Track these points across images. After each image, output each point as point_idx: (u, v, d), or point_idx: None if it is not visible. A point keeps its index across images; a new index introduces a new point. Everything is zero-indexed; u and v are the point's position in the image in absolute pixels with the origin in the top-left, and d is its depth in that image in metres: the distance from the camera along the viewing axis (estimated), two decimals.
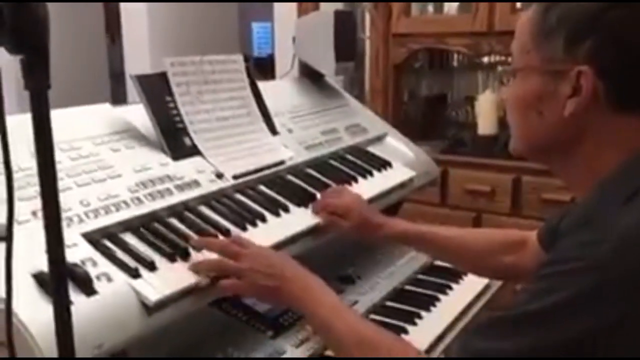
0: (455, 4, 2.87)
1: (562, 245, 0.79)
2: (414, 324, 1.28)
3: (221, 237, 1.09)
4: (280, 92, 1.64)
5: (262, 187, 1.30)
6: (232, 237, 1.09)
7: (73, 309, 0.69)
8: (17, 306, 0.74)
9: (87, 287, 0.86)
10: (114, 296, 0.88)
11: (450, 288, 1.46)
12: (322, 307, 1.00)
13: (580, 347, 0.72)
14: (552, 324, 0.72)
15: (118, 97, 4.40)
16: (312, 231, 1.25)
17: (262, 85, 1.49)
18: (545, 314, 0.73)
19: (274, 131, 1.45)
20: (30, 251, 0.84)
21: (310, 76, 1.78)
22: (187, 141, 1.26)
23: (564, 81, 0.81)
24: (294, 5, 3.22)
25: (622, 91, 0.80)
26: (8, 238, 0.68)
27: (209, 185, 1.20)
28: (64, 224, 0.78)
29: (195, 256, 1.03)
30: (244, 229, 1.14)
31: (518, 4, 2.55)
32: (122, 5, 4.05)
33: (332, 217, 1.29)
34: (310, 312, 1.02)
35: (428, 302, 1.37)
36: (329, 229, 1.30)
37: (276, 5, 3.55)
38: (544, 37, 0.83)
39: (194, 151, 1.25)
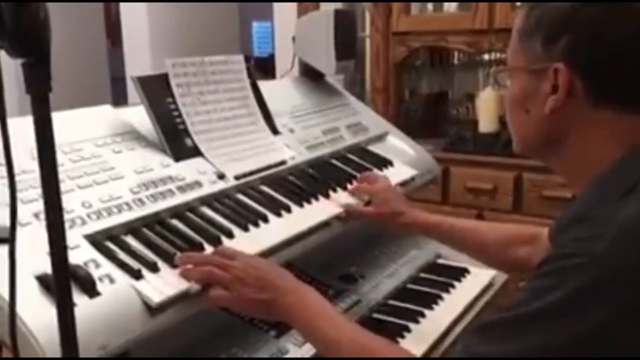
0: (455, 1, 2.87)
1: (560, 242, 0.80)
2: (417, 322, 1.28)
3: (209, 250, 1.05)
4: (281, 91, 1.65)
5: (264, 188, 1.30)
6: (217, 249, 1.05)
7: (76, 310, 0.70)
8: (21, 308, 0.74)
9: (90, 288, 0.86)
10: (116, 297, 0.89)
11: (453, 286, 1.46)
12: (319, 318, 0.96)
13: (583, 345, 0.71)
14: (552, 324, 0.72)
15: (119, 101, 4.41)
16: (314, 231, 1.25)
17: (262, 85, 1.49)
18: (545, 314, 0.73)
19: (275, 131, 1.45)
20: (33, 253, 0.84)
21: (310, 75, 1.78)
22: (188, 142, 1.26)
23: (544, 79, 0.84)
24: (294, 4, 3.22)
25: (599, 87, 0.82)
26: (11, 240, 0.69)
27: (210, 186, 1.20)
28: (66, 225, 0.79)
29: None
30: (246, 229, 1.14)
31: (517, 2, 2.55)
32: (122, 7, 4.05)
33: (355, 207, 1.35)
34: (305, 323, 0.97)
35: (431, 301, 1.37)
36: (354, 215, 1.35)
37: (276, 4, 3.55)
38: (527, 38, 0.87)
39: (195, 152, 1.25)
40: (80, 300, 0.84)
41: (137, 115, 1.24)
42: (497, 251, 1.30)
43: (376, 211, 1.36)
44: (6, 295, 0.71)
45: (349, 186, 1.42)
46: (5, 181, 0.68)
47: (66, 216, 0.88)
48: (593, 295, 0.70)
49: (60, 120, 0.82)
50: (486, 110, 2.70)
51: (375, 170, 1.55)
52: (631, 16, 0.80)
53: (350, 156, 1.59)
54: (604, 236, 0.72)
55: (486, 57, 2.94)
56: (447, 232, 1.35)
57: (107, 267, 0.92)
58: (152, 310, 0.91)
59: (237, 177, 1.25)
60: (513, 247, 1.28)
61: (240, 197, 1.24)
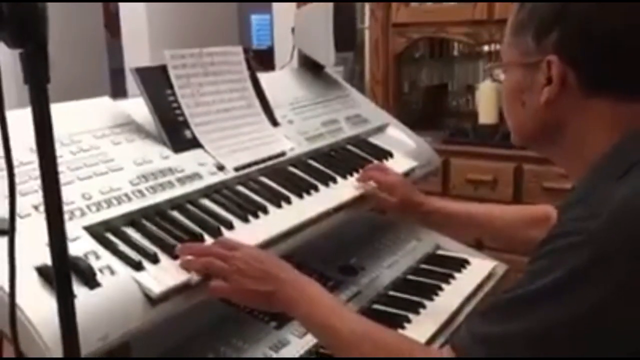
0: None
1: (558, 223, 0.81)
2: (417, 313, 1.28)
3: (209, 241, 1.05)
4: (280, 83, 1.64)
5: (264, 179, 1.30)
6: (218, 240, 1.05)
7: (76, 302, 0.70)
8: (21, 300, 0.74)
9: (90, 280, 0.86)
10: (117, 289, 0.89)
11: (453, 277, 1.46)
12: (321, 308, 0.96)
13: (582, 323, 0.72)
14: (553, 302, 0.73)
15: (118, 92, 4.39)
16: (314, 222, 1.25)
17: (262, 76, 1.49)
18: (545, 293, 0.74)
19: (274, 122, 1.45)
20: (33, 245, 0.84)
21: (310, 67, 1.78)
22: (187, 134, 1.26)
23: (538, 72, 0.87)
24: None
25: (591, 77, 0.84)
26: (11, 232, 0.69)
27: (210, 178, 1.20)
28: (66, 217, 0.79)
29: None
30: (246, 220, 1.14)
31: None
32: None
33: (379, 193, 1.37)
34: (307, 314, 0.97)
35: (431, 292, 1.38)
36: (374, 203, 1.39)
37: None
38: (519, 32, 0.90)
39: (194, 144, 1.25)
40: (80, 291, 0.83)
41: (136, 106, 1.24)
42: (514, 234, 1.33)
43: (399, 201, 1.37)
44: (6, 287, 0.71)
45: (355, 175, 1.42)
46: (4, 173, 0.67)
47: (66, 208, 0.88)
48: (591, 273, 0.72)
49: (60, 111, 0.82)
50: (486, 101, 2.69)
51: (375, 162, 1.55)
52: (620, 9, 0.82)
53: (350, 147, 1.59)
54: (601, 215, 0.73)
55: (486, 48, 2.93)
56: (457, 217, 1.39)
57: (107, 258, 0.92)
58: (152, 301, 0.91)
59: (236, 169, 1.25)
60: (523, 229, 1.31)
61: (240, 188, 1.24)
